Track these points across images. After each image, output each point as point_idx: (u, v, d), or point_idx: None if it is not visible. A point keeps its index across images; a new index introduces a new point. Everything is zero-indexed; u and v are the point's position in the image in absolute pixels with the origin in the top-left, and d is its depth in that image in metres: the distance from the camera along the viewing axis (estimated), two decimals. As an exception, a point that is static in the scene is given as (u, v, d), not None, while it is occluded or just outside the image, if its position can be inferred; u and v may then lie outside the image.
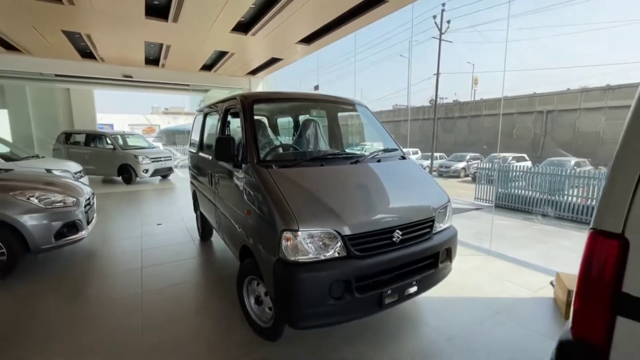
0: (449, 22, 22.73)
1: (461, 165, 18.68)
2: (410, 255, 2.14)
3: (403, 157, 2.88)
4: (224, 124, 3.10)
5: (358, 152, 3.17)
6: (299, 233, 1.85)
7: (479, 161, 17.94)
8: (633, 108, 0.93)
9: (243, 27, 5.67)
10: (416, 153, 23.67)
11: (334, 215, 1.96)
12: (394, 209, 2.22)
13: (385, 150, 2.90)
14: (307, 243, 1.87)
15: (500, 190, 9.37)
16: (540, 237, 5.61)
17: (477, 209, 8.94)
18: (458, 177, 18.44)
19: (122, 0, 4.46)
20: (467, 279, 3.39)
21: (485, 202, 9.61)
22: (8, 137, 11.69)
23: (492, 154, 18.12)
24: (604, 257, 0.94)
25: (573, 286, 2.69)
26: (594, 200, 7.45)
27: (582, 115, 23.14)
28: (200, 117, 4.26)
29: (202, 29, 5.62)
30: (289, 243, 1.86)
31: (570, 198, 7.85)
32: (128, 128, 30.37)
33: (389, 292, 2.05)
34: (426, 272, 2.26)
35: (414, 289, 2.19)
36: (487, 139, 27.07)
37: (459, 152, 21.04)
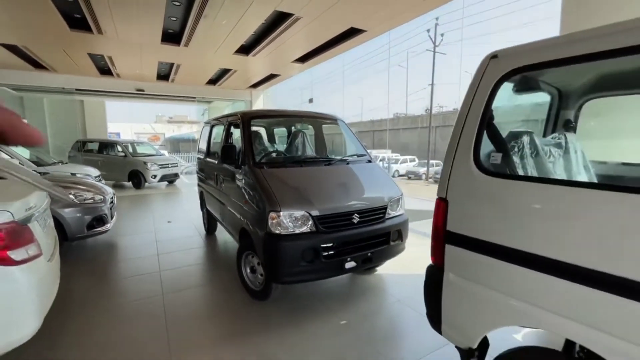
0: (442, 35, 23.77)
1: (454, 172, 19.30)
2: (364, 233, 2.88)
3: (369, 161, 3.64)
4: (228, 134, 3.88)
5: (332, 157, 3.94)
6: (281, 213, 2.60)
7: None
8: (456, 121, 1.68)
9: (245, 49, 6.51)
10: (413, 160, 24.41)
11: (307, 201, 2.71)
12: (354, 198, 2.97)
13: (355, 155, 3.66)
14: (287, 221, 2.62)
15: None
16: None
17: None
18: (452, 183, 19.03)
19: (143, 30, 5.31)
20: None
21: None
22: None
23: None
24: (439, 212, 1.68)
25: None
26: None
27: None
28: (207, 128, 5.05)
29: (210, 51, 6.47)
30: (273, 221, 2.61)
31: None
32: (134, 136, 31.47)
33: (349, 259, 2.78)
34: (379, 247, 2.99)
35: (369, 259, 2.92)
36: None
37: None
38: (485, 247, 1.45)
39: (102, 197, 4.74)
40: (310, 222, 2.68)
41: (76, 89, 8.98)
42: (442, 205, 1.66)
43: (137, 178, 10.72)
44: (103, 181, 7.70)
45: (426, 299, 1.85)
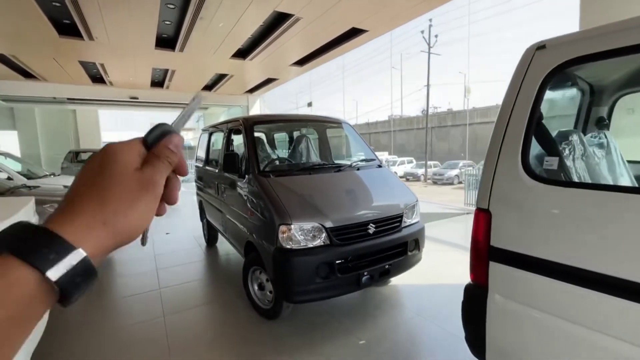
0: (436, 36, 23.82)
1: (454, 172, 19.25)
2: (382, 244, 2.67)
3: (379, 166, 3.45)
4: (229, 141, 3.67)
5: (342, 162, 3.74)
6: (292, 226, 2.39)
7: (470, 168, 18.55)
8: (497, 120, 1.48)
9: (242, 53, 6.33)
10: (410, 162, 24.33)
11: (320, 212, 2.50)
12: (368, 207, 2.77)
13: (364, 160, 3.47)
14: (298, 234, 2.41)
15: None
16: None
17: (466, 214, 9.47)
18: (452, 184, 18.96)
19: (136, 35, 5.10)
20: (445, 269, 3.91)
21: (474, 207, 10.10)
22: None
23: (483, 161, 18.76)
24: (481, 224, 1.48)
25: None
26: None
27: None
28: (206, 136, 4.83)
29: (205, 56, 6.27)
30: (284, 235, 2.39)
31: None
32: (129, 145, 31.00)
33: (365, 273, 2.57)
34: (397, 259, 2.78)
35: (386, 272, 2.71)
36: (481, 146, 27.84)
37: (452, 160, 21.67)
38: (543, 266, 1.25)
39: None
40: (324, 235, 2.47)
41: (68, 99, 8.73)
42: (483, 217, 1.46)
43: (132, 188, 10.45)
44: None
45: (465, 322, 1.64)
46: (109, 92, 9.04)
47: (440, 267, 3.99)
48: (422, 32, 23.70)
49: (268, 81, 8.91)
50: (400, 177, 23.04)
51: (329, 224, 2.48)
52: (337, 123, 4.03)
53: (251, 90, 10.15)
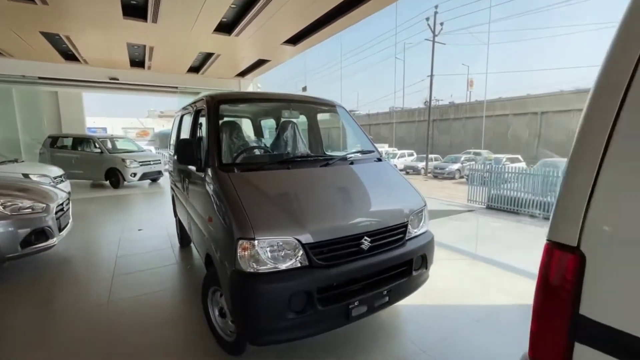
0: (442, 24, 22.80)
1: (456, 166, 18.61)
2: (380, 264, 2.02)
3: (379, 159, 2.77)
4: (195, 125, 2.97)
5: (331, 154, 3.05)
6: (256, 242, 1.72)
7: (473, 162, 17.89)
8: (589, 100, 0.81)
9: (226, 27, 5.56)
10: (411, 155, 23.65)
11: (295, 221, 1.84)
12: (362, 214, 2.10)
13: (360, 152, 2.78)
14: (264, 252, 1.75)
15: (493, 191, 9.28)
16: (532, 238, 5.55)
17: (469, 211, 8.86)
18: (453, 178, 18.35)
19: (97, 0, 4.33)
20: (449, 285, 3.27)
21: (478, 204, 9.52)
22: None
23: (485, 156, 18.11)
24: (559, 273, 0.82)
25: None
26: None
27: (575, 117, 23.22)
28: (178, 119, 4.13)
29: (184, 30, 5.50)
30: (245, 253, 1.73)
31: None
32: (121, 131, 30.18)
33: (357, 303, 1.92)
34: (398, 281, 2.13)
35: (384, 300, 2.06)
36: (485, 140, 27.08)
37: (454, 154, 20.98)
38: None
39: (44, 205, 3.81)
40: (301, 253, 1.81)
41: (39, 77, 7.95)
42: (567, 262, 0.80)
43: (114, 177, 9.75)
44: (67, 182, 6.75)
45: None
46: (85, 71, 8.25)
47: (447, 281, 3.35)
48: (427, 19, 22.69)
49: (260, 63, 8.13)
50: (400, 170, 22.37)
51: (307, 238, 1.81)
52: (329, 106, 3.32)
53: (242, 74, 9.38)
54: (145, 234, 5.19)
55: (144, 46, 6.55)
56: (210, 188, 2.15)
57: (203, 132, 2.94)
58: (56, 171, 6.55)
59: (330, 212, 2.00)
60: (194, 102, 3.19)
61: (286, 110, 3.18)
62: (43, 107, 12.27)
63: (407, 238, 2.24)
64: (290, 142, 3.12)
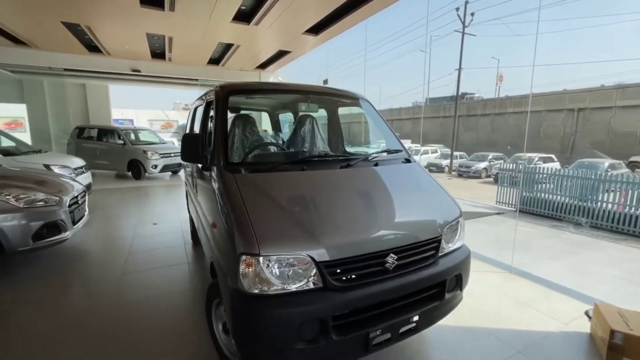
0: (472, 14, 21.63)
1: (483, 165, 17.71)
2: (407, 286, 1.70)
3: (407, 160, 2.42)
4: (205, 118, 2.74)
5: (353, 153, 2.73)
6: (261, 258, 1.45)
7: (502, 161, 16.95)
8: None
9: (245, 16, 5.32)
10: (435, 152, 22.78)
11: (309, 234, 1.55)
12: (388, 226, 1.78)
13: (385, 152, 2.45)
14: (271, 271, 1.48)
15: (525, 193, 8.62)
16: (570, 248, 5.01)
17: (498, 214, 8.28)
18: (479, 177, 17.50)
19: (113, -14, 4.19)
20: (483, 304, 2.90)
21: (508, 206, 8.90)
22: (27, 131, 11.98)
23: (517, 154, 17.09)
24: None
25: (617, 324, 2.17)
26: (632, 208, 6.62)
27: (617, 114, 21.51)
28: (192, 111, 3.94)
29: (202, 18, 5.31)
30: (248, 270, 1.47)
31: (604, 205, 7.05)
32: (147, 123, 31.02)
33: (379, 331, 1.62)
34: (429, 306, 1.81)
35: (411, 326, 1.75)
36: (512, 138, 25.70)
37: (480, 152, 20.00)
38: None
39: (57, 198, 3.74)
40: (314, 272, 1.52)
41: (65, 69, 8.07)
42: None
43: (136, 168, 9.87)
44: (89, 173, 6.81)
45: None
46: (108, 63, 8.31)
47: (480, 299, 2.97)
48: (457, 9, 21.56)
49: (281, 54, 7.87)
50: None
51: (322, 255, 1.52)
52: (352, 99, 2.99)
53: (263, 66, 9.15)
54: (160, 229, 5.10)
55: (164, 37, 6.43)
56: (215, 191, 1.90)
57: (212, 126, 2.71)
58: (78, 162, 6.60)
59: (350, 224, 1.69)
60: (206, 93, 2.95)
61: (304, 102, 2.88)
62: (72, 99, 12.62)
63: (439, 255, 1.90)
64: (309, 138, 2.83)
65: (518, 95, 28.32)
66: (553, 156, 17.24)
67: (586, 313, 2.73)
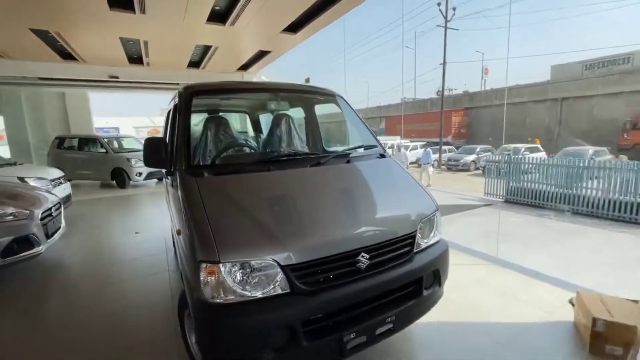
0: (454, 8, 21.81)
1: (471, 158, 17.87)
2: (382, 285, 1.64)
3: (382, 156, 2.37)
4: (174, 122, 2.63)
5: (332, 152, 2.66)
6: (221, 265, 1.37)
7: (489, 153, 17.12)
8: None
9: (220, 17, 5.21)
10: (424, 146, 22.87)
11: (272, 237, 1.48)
12: (359, 223, 1.72)
13: (359, 147, 2.39)
14: (233, 278, 1.40)
15: (511, 184, 8.68)
16: (557, 236, 5.04)
17: (486, 205, 8.33)
18: (468, 170, 17.64)
19: (78, -10, 4.05)
20: (467, 297, 2.86)
21: (496, 197, 8.96)
22: (4, 143, 11.64)
23: (503, 146, 17.27)
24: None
25: (599, 311, 2.15)
26: (616, 194, 6.70)
27: (599, 102, 21.95)
28: (166, 115, 3.82)
29: (175, 20, 5.19)
30: (209, 279, 1.39)
31: (588, 191, 7.12)
32: (133, 131, 30.48)
33: (353, 335, 1.56)
34: (406, 304, 1.75)
35: (388, 327, 1.69)
36: (499, 130, 26.01)
37: (468, 145, 20.17)
38: None
39: (28, 211, 3.59)
40: (280, 277, 1.45)
41: (39, 78, 7.83)
42: None
43: (120, 176, 9.65)
44: (67, 184, 6.60)
45: None
46: (84, 70, 8.09)
47: (464, 292, 2.94)
48: (439, 4, 21.71)
49: (262, 54, 7.77)
50: (412, 163, 21.69)
51: (287, 258, 1.45)
52: (328, 96, 2.92)
53: (245, 67, 9.04)
54: (142, 237, 4.96)
55: (139, 41, 6.28)
56: (177, 196, 1.81)
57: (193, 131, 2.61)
58: (55, 173, 6.39)
59: (318, 224, 1.62)
60: (175, 96, 2.85)
61: (275, 101, 2.79)
62: (50, 109, 12.30)
63: (415, 251, 1.85)
64: (285, 138, 2.76)
65: (503, 87, 28.69)
66: (539, 146, 17.50)
67: (570, 301, 2.72)
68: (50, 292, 3.33)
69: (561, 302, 2.74)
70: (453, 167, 18.09)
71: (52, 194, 4.50)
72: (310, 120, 3.15)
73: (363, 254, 1.61)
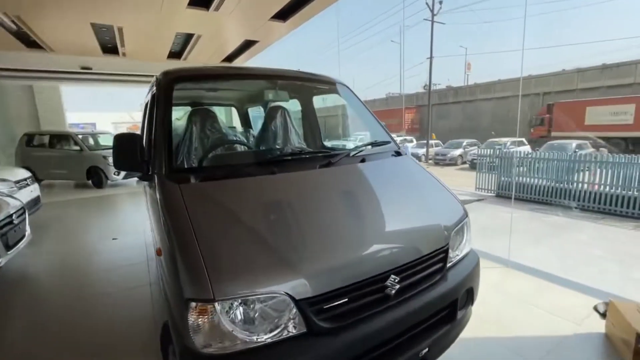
0: (441, 2, 21.70)
1: (458, 152, 17.93)
2: (415, 313, 1.33)
3: (397, 153, 2.05)
4: (151, 115, 2.23)
5: (333, 148, 2.34)
6: (217, 304, 1.03)
7: (476, 147, 17.22)
8: None
9: (203, 0, 4.75)
10: (411, 141, 22.90)
11: (283, 262, 1.14)
12: (385, 239, 1.40)
13: (371, 144, 2.06)
14: (233, 318, 1.06)
15: (503, 178, 8.61)
16: (552, 230, 4.96)
17: (479, 200, 8.24)
18: (455, 164, 17.70)
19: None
20: (486, 307, 2.61)
21: (488, 192, 8.89)
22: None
23: (490, 140, 17.38)
24: None
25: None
26: (606, 187, 6.67)
27: (579, 96, 22.47)
28: (143, 109, 3.39)
29: (153, 4, 4.68)
30: (201, 322, 1.04)
31: (579, 185, 7.08)
32: (111, 127, 29.10)
33: (382, 376, 1.25)
34: (439, 331, 1.46)
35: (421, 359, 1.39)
36: (484, 124, 26.28)
37: (454, 139, 20.25)
38: None
39: (-20, 220, 3.11)
40: (294, 313, 1.12)
41: (0, 69, 7.11)
42: None
43: (96, 176, 9.01)
44: (35, 185, 5.99)
45: None
46: (53, 61, 7.39)
47: (484, 300, 2.65)
48: (425, -3, 21.51)
49: (248, 44, 7.29)
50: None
51: (303, 289, 1.12)
52: (328, 84, 2.57)
53: (229, 59, 8.52)
54: (120, 244, 4.51)
55: (112, 27, 5.71)
56: (157, 208, 1.44)
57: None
58: (21, 174, 5.78)
59: (338, 241, 1.29)
60: (153, 84, 2.44)
61: (271, 90, 2.42)
62: (17, 104, 11.36)
63: (448, 266, 1.56)
64: (281, 133, 2.41)
65: (485, 82, 29.02)
66: (524, 139, 17.72)
67: (595, 308, 2.51)
68: (13, 310, 2.88)
69: (585, 309, 2.53)
70: (440, 161, 18.11)
71: (14, 198, 3.99)
72: (309, 112, 2.82)
73: (392, 275, 1.30)
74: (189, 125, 2.09)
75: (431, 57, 20.98)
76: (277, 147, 2.12)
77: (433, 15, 21.33)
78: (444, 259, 1.53)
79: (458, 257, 1.65)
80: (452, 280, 1.51)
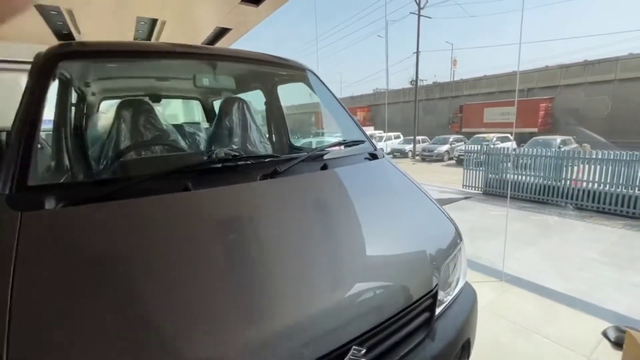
0: (427, -5, 21.35)
1: (444, 148, 17.73)
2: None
3: (373, 156, 1.60)
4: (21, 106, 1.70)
5: (300, 148, 1.88)
6: None
7: (462, 143, 17.08)
8: None
9: (161, -21, 4.18)
10: (398, 137, 22.62)
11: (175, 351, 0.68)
12: (346, 294, 0.95)
13: (339, 144, 1.60)
14: None
15: (490, 175, 8.34)
16: (541, 230, 4.71)
17: (466, 198, 7.97)
18: (442, 160, 17.52)
19: None
20: (482, 335, 2.22)
21: (475, 189, 8.62)
22: None
23: (477, 135, 17.26)
24: None
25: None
26: (591, 184, 6.45)
27: (562, 92, 22.69)
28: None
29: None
30: None
31: (568, 182, 6.86)
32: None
33: None
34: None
35: None
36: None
37: (441, 135, 20.09)
38: None
39: None
40: None
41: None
42: None
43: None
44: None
45: None
46: (5, 49, 6.64)
47: (479, 327, 2.30)
48: (412, -10, 21.13)
49: (222, 32, 6.71)
50: (388, 153, 21.31)
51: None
52: (296, 70, 2.07)
53: (203, 49, 7.91)
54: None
55: (59, 9, 5.05)
56: None
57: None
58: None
59: (273, 307, 0.83)
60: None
61: (210, 75, 1.88)
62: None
63: (437, 315, 1.12)
64: (239, 132, 1.92)
65: (472, 77, 29.05)
66: (509, 135, 17.67)
67: (605, 335, 2.16)
68: None
69: (594, 336, 2.17)
70: (427, 157, 17.90)
71: None
72: (273, 105, 2.34)
73: (355, 348, 0.86)
74: (117, 121, 1.59)
75: (417, 52, 20.68)
76: (213, 148, 1.63)
77: (420, 8, 20.99)
78: (432, 307, 1.09)
79: (450, 299, 1.22)
80: (443, 336, 1.08)
